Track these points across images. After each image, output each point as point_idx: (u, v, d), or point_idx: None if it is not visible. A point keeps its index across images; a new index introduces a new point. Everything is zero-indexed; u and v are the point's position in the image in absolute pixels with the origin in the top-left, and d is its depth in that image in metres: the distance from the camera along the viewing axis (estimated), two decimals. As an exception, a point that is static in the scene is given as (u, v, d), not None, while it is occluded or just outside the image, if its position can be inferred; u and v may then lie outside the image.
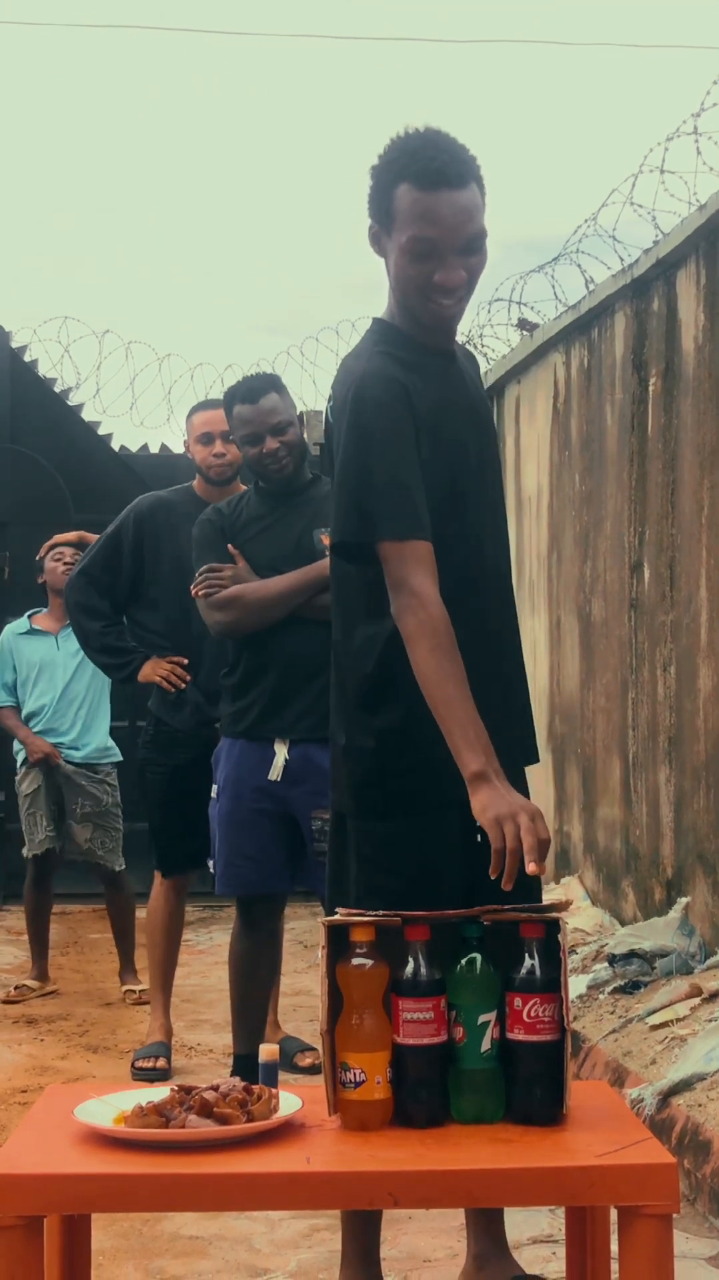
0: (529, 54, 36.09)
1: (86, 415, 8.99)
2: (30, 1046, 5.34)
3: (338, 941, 2.21)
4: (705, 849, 5.15)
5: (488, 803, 2.40)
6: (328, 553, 3.03)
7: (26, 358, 8.79)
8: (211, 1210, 2.85)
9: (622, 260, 6.07)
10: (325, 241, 35.07)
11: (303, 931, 6.65)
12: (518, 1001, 2.18)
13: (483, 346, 7.94)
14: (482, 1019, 2.18)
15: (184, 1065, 4.96)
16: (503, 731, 2.63)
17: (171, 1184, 2.02)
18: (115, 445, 8.98)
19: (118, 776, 6.26)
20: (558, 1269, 2.99)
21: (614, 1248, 2.11)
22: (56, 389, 8.86)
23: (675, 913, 5.23)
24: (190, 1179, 2.01)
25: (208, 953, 6.83)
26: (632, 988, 5.02)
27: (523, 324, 7.53)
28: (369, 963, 2.18)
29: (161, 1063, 4.83)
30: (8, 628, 6.43)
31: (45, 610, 6.40)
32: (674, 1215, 2.02)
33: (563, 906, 2.25)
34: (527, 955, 2.19)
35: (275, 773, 4.20)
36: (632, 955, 5.14)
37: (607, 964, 5.23)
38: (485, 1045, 2.18)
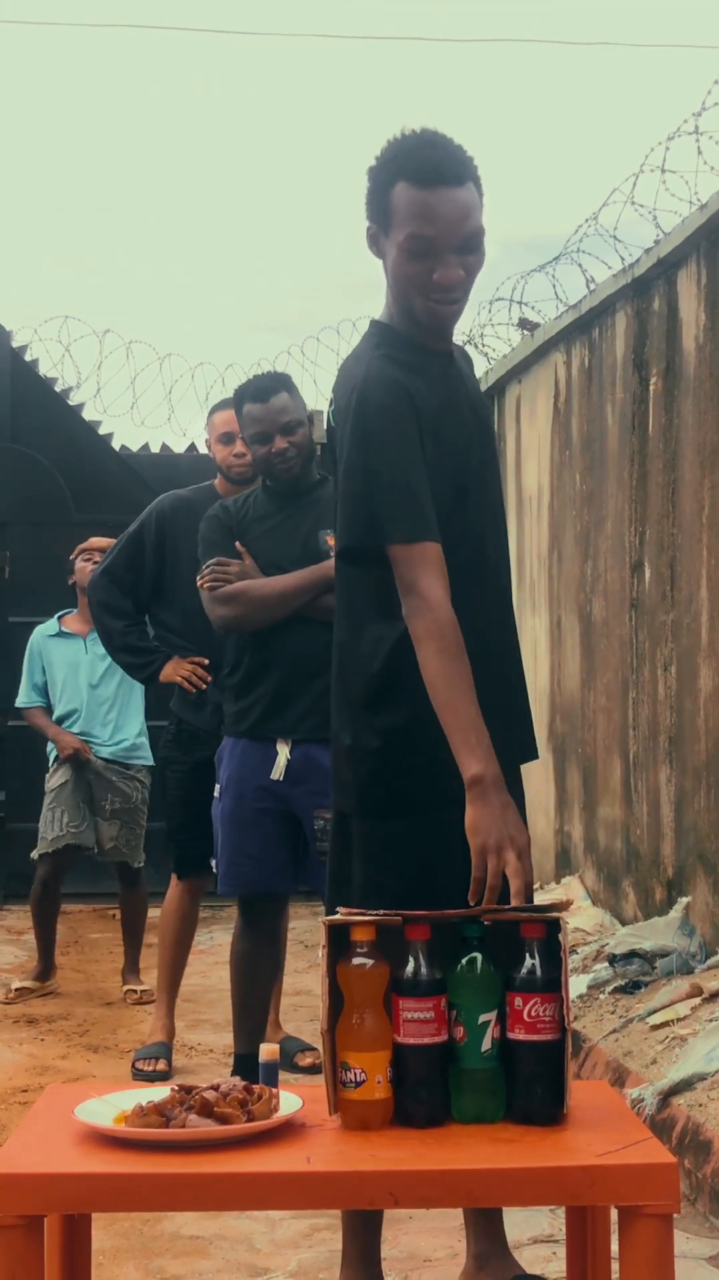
0: (529, 54, 36.13)
1: (87, 415, 8.99)
2: (31, 1046, 5.34)
3: (338, 941, 2.21)
4: (706, 849, 5.15)
5: (479, 824, 2.43)
6: (333, 554, 3.03)
7: (27, 357, 8.79)
8: (212, 1210, 2.85)
9: (623, 260, 6.07)
10: (325, 241, 35.08)
11: (304, 931, 6.65)
12: (518, 1001, 2.18)
13: (484, 346, 7.95)
14: (482, 1018, 2.18)
15: (185, 1065, 4.96)
16: (503, 729, 2.65)
17: (172, 1184, 2.02)
18: (116, 445, 8.99)
19: (148, 776, 6.21)
20: (558, 1269, 2.99)
21: (614, 1248, 2.11)
22: (57, 388, 8.87)
23: (676, 912, 5.23)
24: (191, 1179, 2.01)
25: (209, 952, 6.83)
26: (632, 987, 5.02)
27: (524, 323, 7.53)
28: (370, 962, 2.18)
29: (161, 1064, 4.84)
30: (37, 630, 6.39)
31: (75, 611, 6.36)
32: (675, 1215, 2.01)
33: (563, 906, 2.25)
34: (527, 955, 2.19)
35: (278, 772, 4.20)
36: (632, 955, 5.14)
37: (607, 964, 5.23)
38: (486, 1045, 2.18)
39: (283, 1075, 4.29)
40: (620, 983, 5.07)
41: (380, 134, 2.66)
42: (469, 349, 2.98)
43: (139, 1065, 4.85)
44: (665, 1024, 4.51)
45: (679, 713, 5.42)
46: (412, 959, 2.19)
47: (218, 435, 4.92)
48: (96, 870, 6.95)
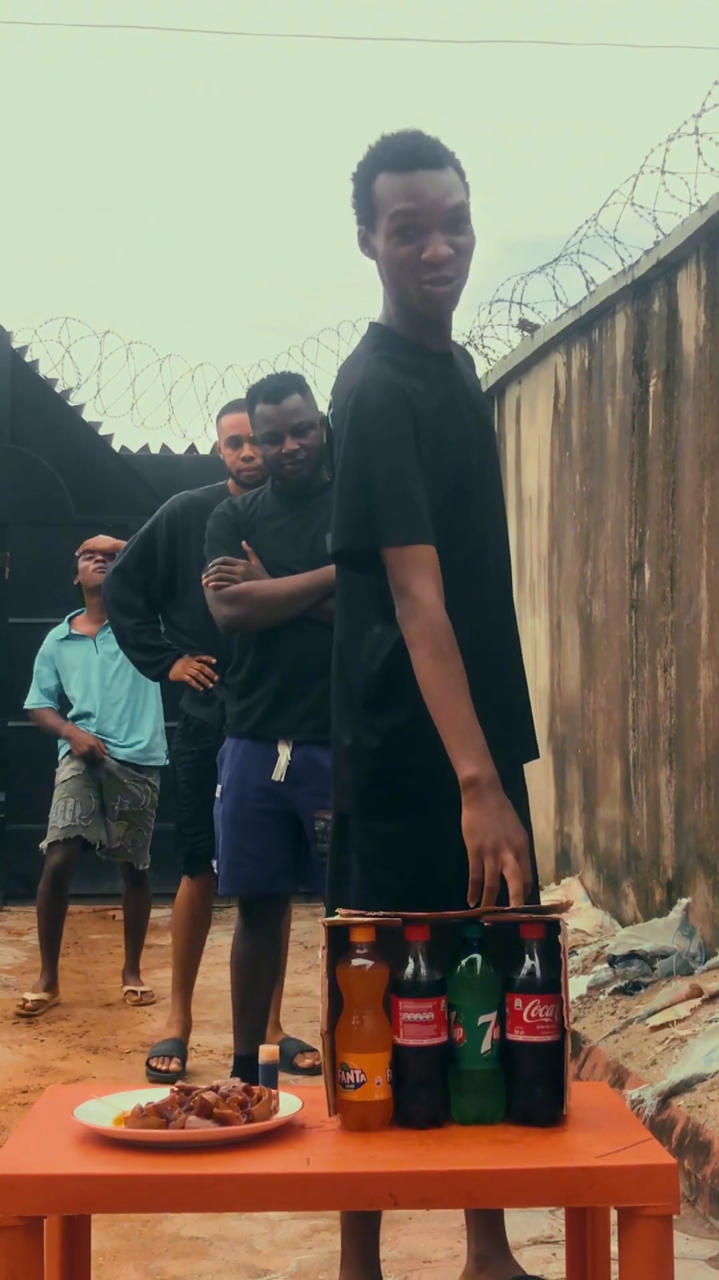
0: (529, 54, 36.12)
1: (87, 416, 8.99)
2: (30, 1047, 5.35)
3: (338, 942, 2.21)
4: (706, 850, 5.15)
5: (475, 826, 2.44)
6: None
7: (27, 358, 8.79)
8: (212, 1211, 2.85)
9: (622, 261, 6.07)
10: (325, 241, 35.09)
11: (303, 932, 6.64)
12: (518, 1002, 2.18)
13: (483, 347, 7.95)
14: (482, 1019, 2.18)
15: (185, 1066, 4.95)
16: (503, 729, 2.66)
17: (171, 1185, 2.02)
18: (116, 446, 8.99)
19: (159, 779, 6.18)
20: (558, 1270, 2.99)
21: (614, 1249, 2.11)
22: (57, 389, 8.87)
23: (676, 914, 5.23)
24: (190, 1180, 2.01)
25: (209, 953, 6.78)
26: (632, 989, 5.02)
27: (523, 325, 7.53)
28: (369, 963, 2.18)
29: (175, 1064, 4.81)
30: (50, 635, 6.35)
31: (84, 612, 6.33)
32: (674, 1216, 2.02)
33: (563, 907, 2.25)
34: (527, 956, 2.19)
35: (279, 773, 4.20)
36: (632, 956, 5.14)
37: (607, 965, 5.23)
38: (486, 1046, 2.18)
39: (282, 1076, 4.29)
40: (620, 984, 5.07)
41: (380, 135, 2.69)
42: (469, 350, 2.98)
43: (153, 1064, 4.82)
44: (665, 1025, 4.51)
45: (679, 714, 5.42)
46: (411, 960, 2.19)
47: (226, 439, 4.92)
48: (98, 871, 6.95)
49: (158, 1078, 4.72)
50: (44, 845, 6.08)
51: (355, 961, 2.18)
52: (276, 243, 33.98)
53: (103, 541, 6.19)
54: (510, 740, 2.73)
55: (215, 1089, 2.17)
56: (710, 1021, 4.36)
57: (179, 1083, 2.39)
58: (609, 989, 5.08)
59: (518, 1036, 2.18)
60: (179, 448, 9.17)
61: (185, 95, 31.03)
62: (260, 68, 34.42)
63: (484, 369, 7.96)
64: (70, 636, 6.26)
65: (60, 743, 6.23)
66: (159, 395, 11.29)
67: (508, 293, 7.53)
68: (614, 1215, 2.08)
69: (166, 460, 8.95)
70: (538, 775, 6.90)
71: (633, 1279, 2.00)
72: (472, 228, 2.67)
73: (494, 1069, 2.18)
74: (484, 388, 7.77)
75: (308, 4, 23.69)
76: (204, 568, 4.44)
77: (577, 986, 5.11)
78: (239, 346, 33.28)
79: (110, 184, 30.50)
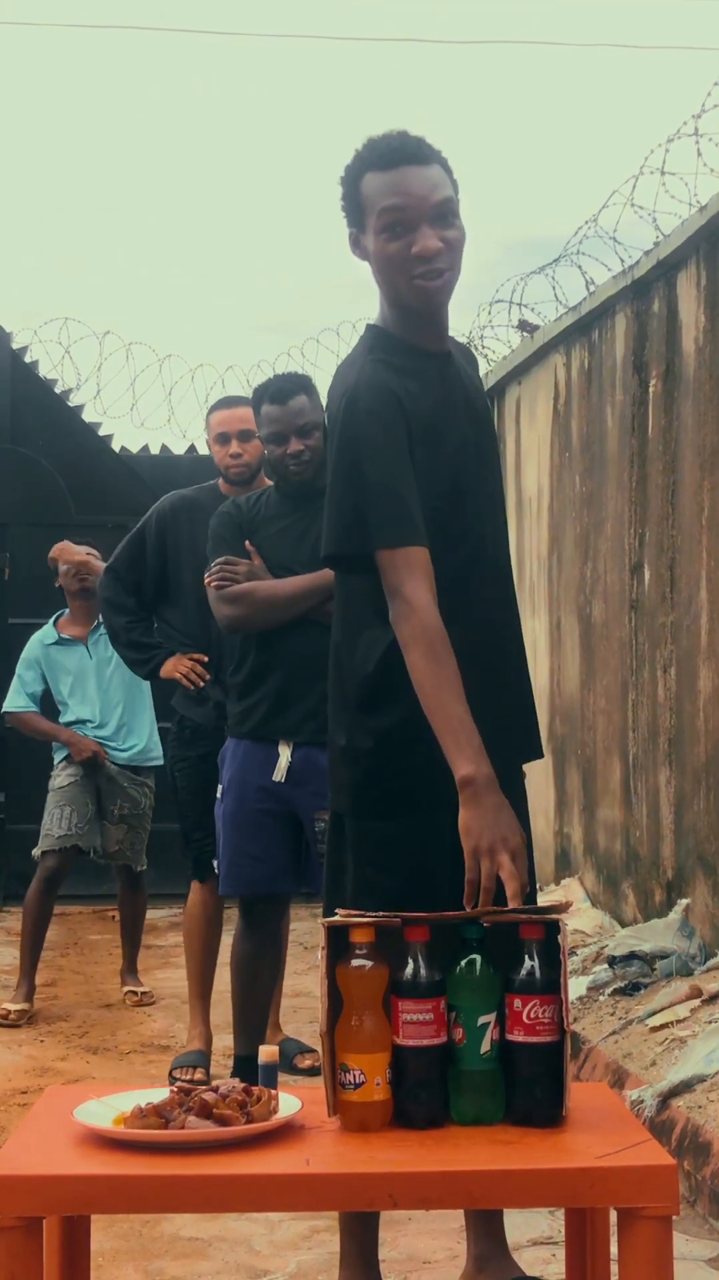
0: (529, 54, 36.09)
1: (87, 416, 8.99)
2: (30, 1047, 5.35)
3: (338, 942, 2.21)
4: (705, 850, 5.15)
5: (471, 826, 2.44)
6: None
7: (27, 359, 8.80)
8: (211, 1211, 2.85)
9: (622, 261, 6.07)
10: (325, 241, 35.07)
11: (303, 933, 6.64)
12: (518, 1003, 2.17)
13: (483, 348, 7.95)
14: (481, 1020, 2.18)
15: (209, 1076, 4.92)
16: (505, 728, 2.66)
17: (171, 1185, 2.02)
18: (116, 446, 8.99)
19: (155, 779, 6.16)
20: (558, 1271, 2.99)
21: (614, 1249, 2.11)
22: (57, 390, 8.87)
23: (675, 914, 5.22)
24: (190, 1180, 2.01)
25: (208, 954, 6.83)
26: (632, 989, 5.02)
27: (523, 325, 7.53)
28: (369, 964, 2.18)
29: (199, 1074, 4.73)
30: (35, 638, 6.23)
31: (67, 613, 6.26)
32: (674, 1217, 2.01)
33: (563, 908, 2.25)
34: (526, 956, 2.19)
35: (279, 774, 4.21)
36: (632, 957, 5.14)
37: (607, 965, 5.22)
38: (485, 1046, 2.18)
39: (282, 1077, 4.29)
40: (620, 984, 5.07)
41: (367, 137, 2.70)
42: (466, 347, 2.98)
43: (176, 1074, 4.72)
44: (665, 1026, 4.51)
45: (679, 714, 5.42)
46: (411, 961, 2.19)
47: (214, 436, 4.93)
48: (96, 871, 6.94)
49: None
50: (37, 852, 6.01)
51: (355, 962, 2.18)
52: (276, 243, 34.01)
53: (74, 555, 6.11)
54: (510, 740, 2.73)
55: (215, 1089, 2.17)
56: (710, 1022, 4.36)
57: (179, 1083, 2.39)
58: (609, 990, 5.08)
59: (517, 1037, 2.18)
60: (179, 448, 9.18)
61: (185, 95, 31.05)
62: (260, 68, 34.44)
63: (484, 369, 7.96)
64: (60, 641, 6.16)
65: (56, 748, 6.16)
66: (159, 396, 11.30)
67: (508, 293, 7.54)
68: (614, 1216, 2.08)
69: (166, 460, 8.96)
70: (538, 776, 6.89)
71: (632, 1280, 2.00)
72: (461, 222, 2.67)
73: (494, 1070, 2.18)
74: (484, 388, 7.77)
75: (308, 4, 23.69)
76: (198, 567, 4.44)
77: (576, 987, 5.11)
78: (239, 346, 33.29)
79: (110, 184, 30.52)
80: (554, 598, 7.05)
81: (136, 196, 30.73)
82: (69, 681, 6.14)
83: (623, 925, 5.88)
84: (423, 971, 2.18)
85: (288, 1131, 2.15)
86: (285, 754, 4.21)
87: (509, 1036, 2.18)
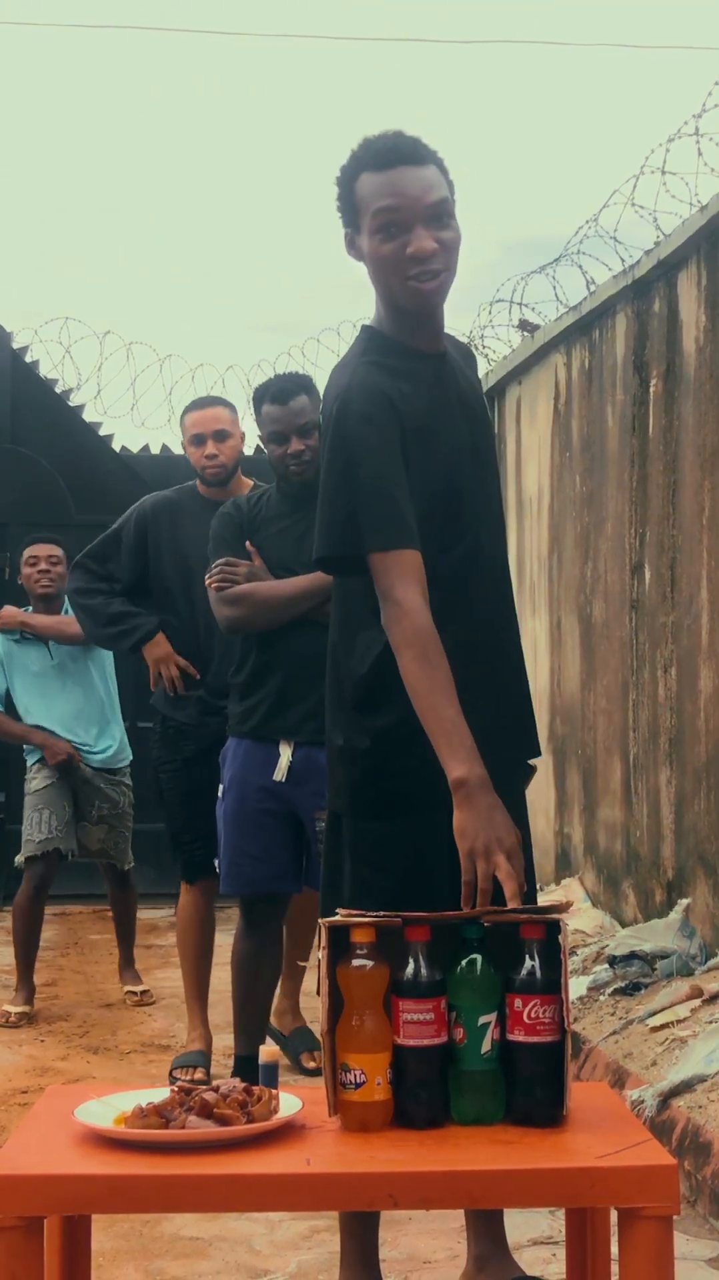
0: (529, 54, 36.08)
1: (87, 416, 8.99)
2: (30, 1047, 5.35)
3: (338, 942, 2.21)
4: (706, 850, 5.15)
5: (466, 827, 2.44)
6: None
7: (28, 358, 8.80)
8: (212, 1211, 2.85)
9: (623, 261, 6.08)
10: (325, 241, 35.02)
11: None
12: (518, 1003, 2.17)
13: (484, 347, 7.95)
14: (482, 1020, 2.18)
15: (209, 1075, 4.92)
16: (503, 728, 2.66)
17: (171, 1185, 2.02)
18: (116, 446, 8.99)
19: (131, 775, 6.15)
20: (558, 1270, 2.99)
21: (614, 1249, 2.11)
22: (57, 390, 8.88)
23: (676, 914, 5.23)
24: (190, 1180, 2.01)
25: (208, 954, 6.83)
26: (632, 989, 5.02)
27: (524, 325, 7.53)
28: (369, 964, 2.17)
29: (200, 1074, 4.70)
30: None
31: (30, 610, 6.18)
32: (674, 1217, 2.02)
33: (563, 908, 2.25)
34: (527, 956, 2.19)
35: (280, 773, 4.21)
36: (632, 957, 5.14)
37: (607, 965, 5.22)
38: (486, 1046, 2.18)
39: (290, 1077, 4.28)
40: (620, 984, 5.07)
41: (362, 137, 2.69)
42: (465, 346, 2.97)
43: (176, 1074, 4.69)
44: (665, 1026, 4.50)
45: (679, 714, 5.42)
46: (411, 960, 2.19)
47: (189, 437, 4.92)
48: (96, 871, 6.94)
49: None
50: (20, 860, 5.98)
51: (355, 962, 2.18)
52: (276, 243, 34.00)
53: (47, 551, 6.13)
54: (510, 740, 2.73)
55: (215, 1089, 2.17)
56: (711, 1022, 4.36)
57: (179, 1083, 2.39)
58: (609, 990, 5.08)
59: (518, 1037, 2.18)
60: (179, 448, 9.15)
61: (185, 95, 31.04)
62: (260, 68, 34.42)
63: (484, 369, 7.96)
64: (23, 639, 6.10)
65: (28, 750, 6.11)
66: (159, 395, 11.33)
67: (508, 293, 7.54)
68: (614, 1216, 2.07)
69: (166, 460, 8.95)
70: (538, 775, 6.88)
71: (633, 1280, 2.00)
72: (457, 223, 2.67)
73: (494, 1069, 2.18)
74: (484, 388, 7.77)
75: (308, 4, 23.70)
76: (179, 566, 4.43)
77: (577, 987, 5.11)
78: (239, 346, 33.27)
79: (110, 184, 30.50)
80: (554, 597, 7.05)
81: (136, 196, 30.73)
82: (32, 683, 6.07)
83: (623, 925, 5.87)
84: (423, 971, 2.18)
85: (288, 1131, 2.15)
86: (286, 754, 4.22)
87: (510, 1036, 2.18)
